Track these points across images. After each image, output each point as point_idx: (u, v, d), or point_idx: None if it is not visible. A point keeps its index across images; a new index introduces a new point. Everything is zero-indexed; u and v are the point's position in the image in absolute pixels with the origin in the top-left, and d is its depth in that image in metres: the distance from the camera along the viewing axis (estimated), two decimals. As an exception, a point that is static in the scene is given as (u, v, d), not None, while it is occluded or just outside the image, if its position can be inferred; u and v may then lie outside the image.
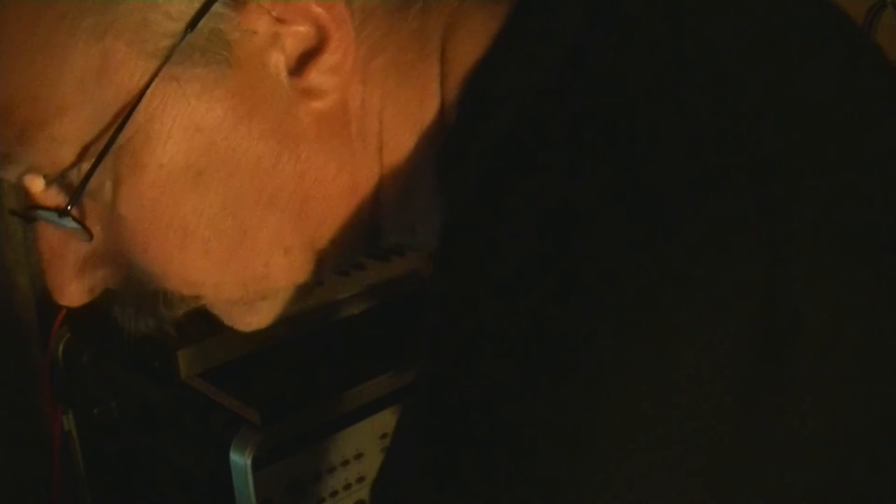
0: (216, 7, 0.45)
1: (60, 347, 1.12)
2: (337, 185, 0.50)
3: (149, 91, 0.45)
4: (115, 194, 0.48)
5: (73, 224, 0.49)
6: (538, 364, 0.38)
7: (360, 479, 0.94)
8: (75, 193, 0.48)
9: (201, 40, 0.45)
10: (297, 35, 0.47)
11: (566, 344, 0.38)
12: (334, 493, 0.92)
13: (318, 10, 0.46)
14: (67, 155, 0.47)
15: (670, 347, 0.37)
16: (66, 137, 0.47)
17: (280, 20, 0.46)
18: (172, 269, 0.50)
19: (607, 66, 0.42)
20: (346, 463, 0.93)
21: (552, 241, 0.39)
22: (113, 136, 0.46)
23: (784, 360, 0.37)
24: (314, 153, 0.49)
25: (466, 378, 0.39)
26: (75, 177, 0.48)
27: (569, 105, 0.42)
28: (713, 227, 0.38)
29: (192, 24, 0.45)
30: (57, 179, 0.49)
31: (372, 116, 0.50)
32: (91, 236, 0.50)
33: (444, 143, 0.50)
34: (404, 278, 1.09)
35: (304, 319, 1.01)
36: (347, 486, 0.93)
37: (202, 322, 0.56)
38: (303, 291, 0.54)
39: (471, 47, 0.48)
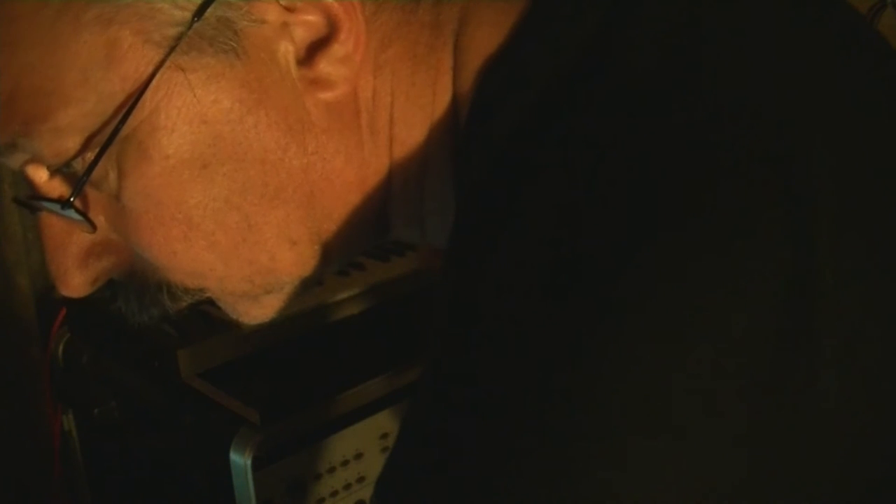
0: None
1: (60, 347, 1.12)
2: (345, 178, 0.50)
3: (154, 81, 0.45)
4: (120, 185, 0.48)
5: (76, 215, 0.49)
6: (547, 361, 0.37)
7: (360, 479, 0.94)
8: (78, 185, 0.47)
9: (209, 29, 0.45)
10: (307, 24, 0.47)
11: (582, 337, 0.37)
12: (334, 493, 0.92)
13: None
14: (71, 145, 0.47)
15: (689, 338, 0.36)
16: (70, 128, 0.46)
17: (289, 9, 0.46)
18: (176, 262, 0.50)
19: (626, 59, 0.42)
20: (346, 463, 0.93)
21: (565, 237, 0.39)
22: (117, 127, 0.45)
23: (806, 351, 0.37)
24: (322, 145, 0.49)
25: (472, 377, 0.39)
26: (79, 166, 0.47)
27: (585, 99, 0.42)
28: (737, 216, 0.37)
29: (200, 12, 0.44)
30: (61, 169, 0.48)
31: (382, 108, 0.49)
32: (94, 228, 0.49)
33: (456, 136, 0.50)
34: (404, 278, 1.09)
35: (304, 319, 1.01)
36: (347, 486, 0.93)
37: (202, 322, 0.56)
38: (308, 284, 0.53)
39: (485, 40, 0.48)
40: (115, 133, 0.45)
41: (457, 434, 0.39)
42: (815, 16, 0.45)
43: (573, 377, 0.37)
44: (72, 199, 0.48)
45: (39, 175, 0.49)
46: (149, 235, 0.49)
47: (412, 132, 0.50)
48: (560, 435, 0.37)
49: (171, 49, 0.45)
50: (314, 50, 0.47)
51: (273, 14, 0.46)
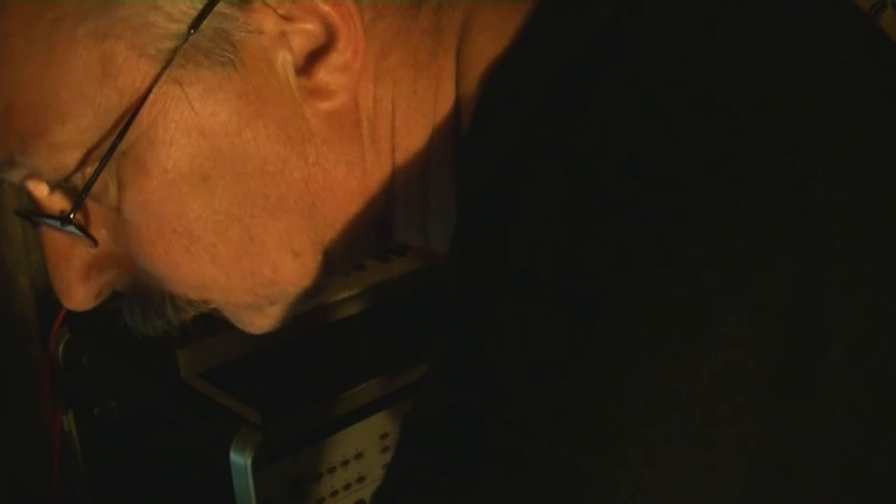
0: (220, 6, 0.44)
1: (60, 347, 1.12)
2: (346, 188, 0.50)
3: (151, 95, 0.45)
4: (120, 199, 0.48)
5: (77, 231, 0.48)
6: (549, 367, 0.37)
7: (360, 479, 0.94)
8: (77, 202, 0.47)
9: (205, 41, 0.45)
10: (305, 33, 0.46)
11: (583, 346, 0.37)
12: (334, 493, 0.92)
13: (325, 7, 0.45)
14: (70, 161, 0.46)
15: (695, 348, 0.36)
16: (67, 143, 0.46)
17: (286, 18, 0.46)
18: (179, 275, 0.50)
19: (632, 65, 0.42)
20: (346, 463, 0.93)
21: (567, 242, 0.39)
22: (115, 142, 0.45)
23: (814, 360, 0.37)
24: (323, 156, 0.49)
25: (475, 381, 0.39)
26: (79, 181, 0.47)
27: (591, 104, 0.42)
28: (745, 228, 0.37)
29: (195, 24, 0.44)
30: (60, 184, 0.48)
31: (384, 117, 0.49)
32: (95, 243, 0.49)
33: (458, 141, 0.49)
34: (404, 278, 1.08)
35: (304, 319, 1.01)
36: (347, 486, 0.93)
37: (202, 322, 0.56)
38: (312, 294, 0.53)
39: (489, 45, 0.48)
40: (113, 148, 0.45)
41: (459, 439, 0.39)
42: (825, 17, 0.45)
43: (576, 385, 0.37)
44: (72, 216, 0.47)
45: (39, 190, 0.49)
46: (150, 249, 0.49)
47: (414, 139, 0.50)
48: (561, 443, 0.37)
49: (168, 62, 0.44)
50: (313, 59, 0.47)
51: (270, 24, 0.46)
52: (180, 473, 0.98)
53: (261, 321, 0.54)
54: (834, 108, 0.41)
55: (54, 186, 0.49)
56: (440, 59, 0.49)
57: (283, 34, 0.46)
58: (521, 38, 0.47)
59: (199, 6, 0.44)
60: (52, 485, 1.14)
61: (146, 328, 0.54)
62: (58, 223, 0.48)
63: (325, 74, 0.47)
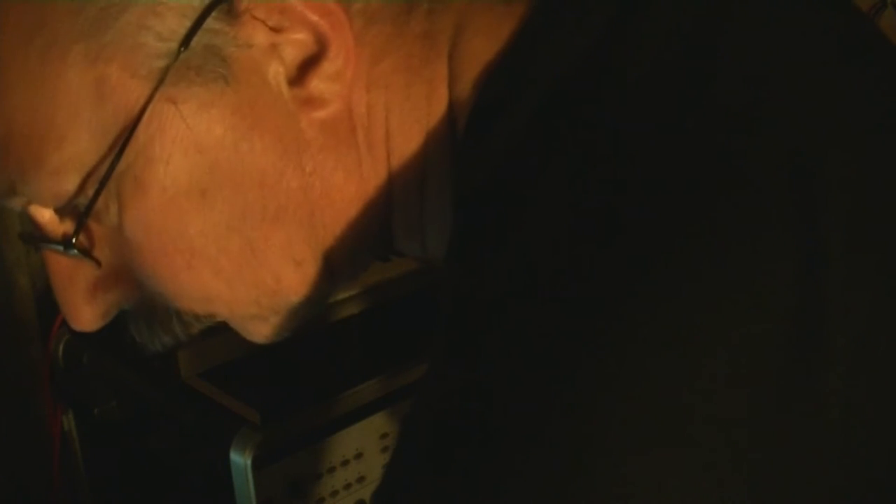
0: (209, 23, 0.44)
1: (60, 347, 1.12)
2: (344, 196, 0.50)
3: (145, 115, 0.45)
4: (121, 218, 0.48)
5: (80, 254, 0.49)
6: (554, 369, 0.37)
7: (360, 479, 0.94)
8: (79, 225, 0.47)
9: (196, 58, 0.45)
10: (295, 43, 0.46)
11: (583, 348, 0.37)
12: (334, 493, 0.92)
13: (314, 17, 0.45)
14: (70, 185, 0.47)
15: (696, 348, 0.36)
16: (66, 168, 0.46)
17: (276, 30, 0.46)
18: (183, 290, 0.50)
19: (632, 67, 0.42)
20: (346, 463, 0.93)
21: (571, 245, 0.39)
22: (113, 163, 0.45)
23: (816, 362, 0.37)
24: (319, 164, 0.49)
25: (476, 383, 0.39)
26: (80, 203, 0.47)
27: (592, 105, 0.42)
28: (747, 227, 0.37)
29: (185, 42, 0.44)
30: (62, 207, 0.48)
31: (378, 123, 0.49)
32: (99, 264, 0.49)
33: (454, 145, 0.49)
34: (404, 278, 1.08)
35: (304, 319, 1.01)
36: (347, 486, 0.93)
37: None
38: (316, 302, 0.53)
39: (483, 49, 0.48)
40: (111, 169, 0.45)
41: (458, 440, 0.39)
42: (827, 21, 0.45)
43: (579, 388, 0.37)
44: (74, 240, 0.48)
45: (41, 214, 0.50)
46: (153, 265, 0.49)
47: (409, 144, 0.50)
48: (562, 448, 0.37)
49: (160, 82, 0.44)
50: (305, 69, 0.47)
51: (260, 36, 0.46)
52: (180, 473, 0.98)
53: (267, 331, 0.54)
54: (835, 109, 0.41)
55: (56, 210, 0.49)
56: (433, 64, 0.49)
57: (273, 46, 0.46)
58: (517, 42, 0.47)
59: (189, 24, 0.44)
60: (52, 485, 1.14)
61: (154, 344, 0.54)
62: (61, 247, 0.49)
63: (318, 83, 0.47)
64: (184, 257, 0.48)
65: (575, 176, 0.40)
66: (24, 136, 0.45)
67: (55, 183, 0.47)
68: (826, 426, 0.37)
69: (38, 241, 0.50)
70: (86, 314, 0.51)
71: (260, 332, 0.54)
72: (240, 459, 0.86)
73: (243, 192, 0.47)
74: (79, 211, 0.47)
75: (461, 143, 0.48)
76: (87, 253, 0.49)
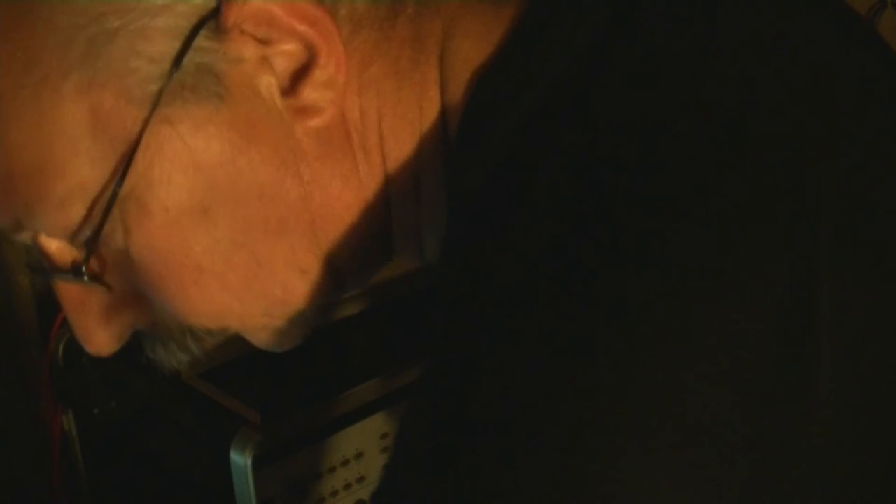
0: (198, 41, 0.44)
1: (60, 347, 1.12)
2: (344, 202, 0.50)
3: (143, 138, 0.45)
4: (126, 241, 0.48)
5: (90, 281, 0.49)
6: (548, 370, 0.37)
7: (360, 479, 0.94)
8: (87, 253, 0.48)
9: (189, 78, 0.45)
10: (285, 54, 0.46)
11: (579, 351, 0.37)
12: (334, 493, 0.92)
13: (302, 26, 0.45)
14: (75, 214, 0.47)
15: (689, 348, 0.36)
16: (70, 198, 0.46)
17: (265, 42, 0.46)
18: (194, 307, 0.50)
19: (632, 68, 0.42)
20: (346, 463, 0.93)
21: (567, 246, 0.39)
22: (115, 189, 0.46)
23: (805, 362, 0.37)
24: (317, 173, 0.49)
25: (473, 385, 0.39)
26: (86, 231, 0.47)
27: (586, 104, 0.42)
28: (739, 228, 0.37)
29: (176, 63, 0.44)
30: (69, 237, 0.48)
31: (372, 128, 0.49)
32: (110, 289, 0.50)
33: (446, 147, 0.49)
34: (404, 278, 1.08)
35: (304, 319, 1.00)
36: (347, 486, 0.93)
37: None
38: (326, 308, 0.54)
39: (474, 52, 0.48)
40: (114, 195, 0.46)
41: (455, 443, 0.39)
42: (819, 18, 0.45)
43: (572, 390, 0.37)
44: (83, 268, 0.48)
45: (49, 245, 0.50)
46: (162, 285, 0.49)
47: (403, 148, 0.50)
48: (559, 446, 0.37)
49: (155, 104, 0.45)
50: (297, 78, 0.47)
51: (250, 50, 0.46)
52: (180, 473, 0.98)
53: (280, 339, 0.55)
54: (828, 110, 0.41)
55: (63, 240, 0.49)
56: (422, 67, 0.49)
57: (264, 58, 0.46)
58: (509, 45, 0.47)
59: (178, 45, 0.44)
60: (52, 485, 1.14)
61: (171, 363, 0.55)
62: (71, 276, 0.49)
63: (310, 92, 0.47)
64: (192, 275, 0.49)
65: (568, 177, 0.40)
66: (26, 173, 0.46)
67: (60, 214, 0.47)
68: (817, 426, 0.37)
69: (48, 272, 0.51)
70: (101, 339, 0.52)
71: (273, 341, 0.55)
72: (240, 459, 0.86)
73: (245, 207, 0.48)
74: (86, 238, 0.48)
75: (453, 145, 0.48)
76: (97, 279, 0.50)
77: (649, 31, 0.43)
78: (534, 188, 0.41)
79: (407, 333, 1.03)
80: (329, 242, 0.51)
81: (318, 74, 0.47)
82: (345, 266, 0.52)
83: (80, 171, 0.46)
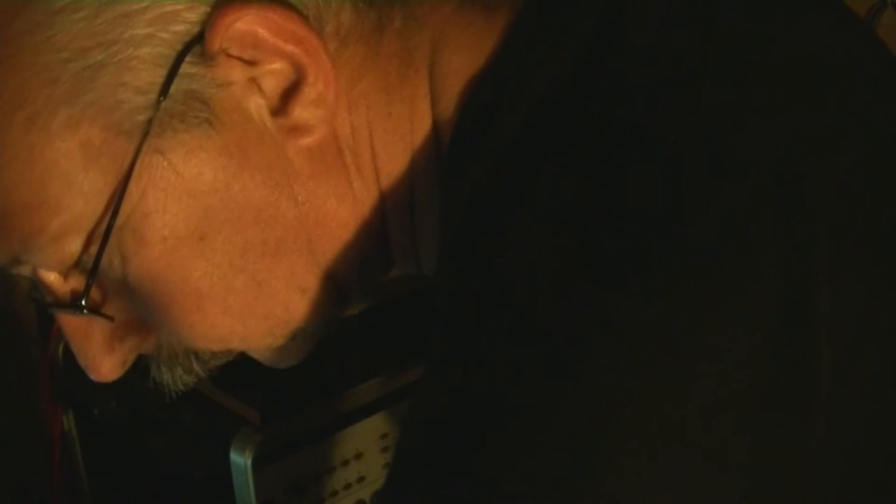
0: (184, 68, 0.44)
1: (60, 347, 1.12)
2: (339, 219, 0.50)
3: (135, 170, 0.45)
4: (125, 271, 0.48)
5: (91, 314, 0.49)
6: (545, 381, 0.37)
7: (360, 479, 0.94)
8: (86, 286, 0.48)
9: (177, 106, 0.45)
10: (273, 74, 0.46)
11: (576, 358, 0.37)
12: (334, 493, 0.92)
13: (288, 46, 0.45)
14: (72, 248, 0.47)
15: (685, 355, 0.36)
16: (66, 233, 0.46)
17: (252, 63, 0.46)
18: (197, 332, 0.51)
19: (622, 76, 0.42)
20: (346, 463, 0.93)
21: (563, 252, 0.39)
22: (110, 222, 0.46)
23: (802, 370, 0.37)
24: (311, 192, 0.49)
25: (472, 390, 0.39)
26: (85, 263, 0.48)
27: (581, 119, 0.42)
28: (733, 230, 0.37)
29: (164, 91, 0.44)
30: (68, 270, 0.49)
31: (364, 144, 0.49)
32: (111, 319, 0.50)
33: (439, 160, 0.49)
34: (404, 278, 1.08)
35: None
36: (347, 486, 0.93)
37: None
38: (330, 323, 0.54)
39: (464, 64, 0.48)
40: (109, 228, 0.46)
41: (455, 446, 0.39)
42: (816, 19, 0.45)
43: (570, 397, 0.37)
44: (83, 301, 0.48)
45: (49, 278, 0.50)
46: (164, 313, 0.49)
47: (395, 163, 0.50)
48: (560, 450, 0.37)
49: (144, 135, 0.45)
50: (286, 98, 0.47)
51: (237, 73, 0.46)
52: (180, 473, 0.98)
53: (286, 357, 0.55)
54: (824, 113, 0.41)
55: (62, 273, 0.49)
56: (411, 81, 0.49)
57: (252, 80, 0.46)
58: (500, 56, 0.47)
59: (165, 73, 0.44)
60: (53, 485, 1.14)
61: (177, 385, 0.55)
62: (71, 309, 0.49)
63: (301, 111, 0.47)
64: (192, 301, 0.49)
65: (564, 186, 0.40)
66: (21, 211, 0.46)
67: (58, 248, 0.47)
68: (816, 433, 0.37)
69: (49, 305, 0.51)
70: (105, 366, 0.52)
71: (278, 358, 0.55)
72: (240, 459, 0.86)
73: (241, 231, 0.48)
74: (85, 270, 0.48)
75: (446, 157, 0.48)
76: (98, 311, 0.50)
77: (643, 36, 0.43)
78: (530, 195, 0.41)
79: (407, 333, 1.03)
80: (327, 260, 0.51)
81: (307, 93, 0.47)
82: (345, 282, 0.52)
83: (74, 206, 0.46)
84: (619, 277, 0.37)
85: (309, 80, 0.46)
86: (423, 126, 0.49)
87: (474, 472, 0.38)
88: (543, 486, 0.36)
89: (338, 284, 0.52)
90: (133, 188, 0.45)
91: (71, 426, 1.15)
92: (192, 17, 0.44)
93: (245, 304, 0.50)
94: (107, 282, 0.50)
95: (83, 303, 0.49)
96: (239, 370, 0.97)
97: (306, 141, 0.48)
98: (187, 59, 0.44)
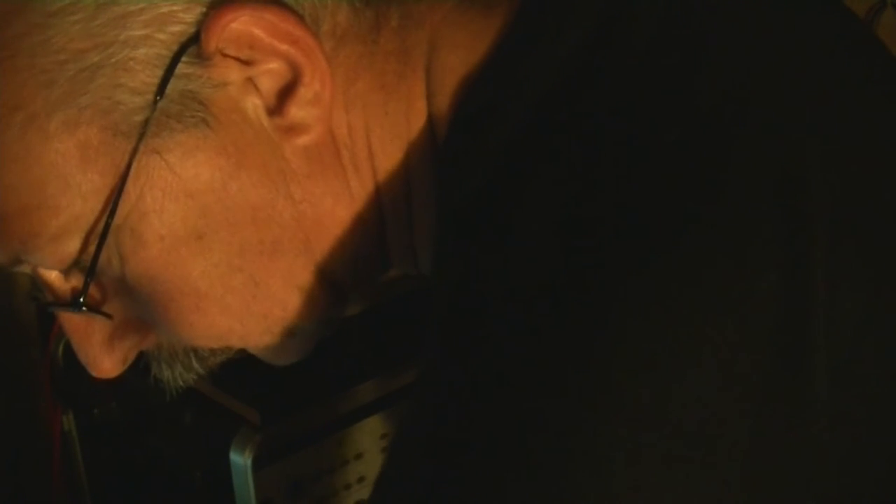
0: (181, 69, 0.44)
1: (60, 347, 1.12)
2: (337, 218, 0.50)
3: (132, 170, 0.45)
4: (123, 270, 0.48)
5: (90, 312, 0.50)
6: (544, 382, 0.37)
7: (360, 479, 0.94)
8: (85, 285, 0.48)
9: (174, 106, 0.45)
10: (269, 73, 0.46)
11: (574, 359, 0.37)
12: (334, 493, 0.92)
13: (283, 45, 0.45)
14: (71, 248, 0.47)
15: (683, 360, 0.36)
16: (65, 233, 0.47)
17: (248, 63, 0.46)
18: (196, 331, 0.51)
19: (619, 76, 0.42)
20: (346, 463, 0.93)
21: (562, 253, 0.39)
22: (108, 222, 0.46)
23: (801, 370, 0.37)
24: (308, 191, 0.49)
25: (470, 393, 0.39)
26: (84, 262, 0.48)
27: (578, 118, 0.42)
28: (731, 235, 0.37)
29: (160, 92, 0.44)
30: (67, 269, 0.49)
31: (361, 142, 0.49)
32: (111, 317, 0.50)
33: (435, 158, 0.49)
34: (403, 278, 1.08)
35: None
36: (347, 486, 0.93)
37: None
38: (330, 322, 0.54)
39: (461, 63, 0.48)
40: (107, 228, 0.46)
41: (454, 444, 0.39)
42: (815, 22, 0.45)
43: (567, 397, 0.37)
44: (82, 300, 0.49)
45: (48, 276, 0.50)
46: (162, 312, 0.50)
47: (392, 161, 0.50)
48: (552, 455, 0.37)
49: (141, 135, 0.45)
50: (283, 97, 0.47)
51: (233, 73, 0.46)
52: (180, 473, 0.98)
53: (285, 354, 0.56)
54: (821, 116, 0.41)
55: (62, 272, 0.50)
56: (408, 80, 0.49)
57: (248, 80, 0.46)
58: (498, 55, 0.47)
59: (161, 74, 0.44)
60: (52, 485, 1.14)
61: (177, 382, 0.55)
62: (71, 307, 0.49)
63: (297, 110, 0.47)
64: (191, 301, 0.49)
65: (561, 187, 0.40)
66: (20, 212, 0.46)
67: (57, 248, 0.47)
68: (814, 435, 0.37)
69: (49, 304, 0.51)
70: (106, 364, 0.53)
71: (279, 356, 0.56)
72: (240, 459, 0.86)
73: (239, 231, 0.48)
74: (84, 270, 0.48)
75: (442, 156, 0.48)
76: (97, 309, 0.50)
77: (640, 36, 0.43)
78: (527, 197, 0.41)
79: (407, 333, 1.02)
80: (325, 259, 0.51)
81: (304, 92, 0.47)
82: (343, 280, 0.52)
83: (72, 207, 0.46)
84: (618, 281, 0.37)
85: (305, 80, 0.46)
86: (419, 125, 0.49)
87: (469, 472, 0.38)
88: (539, 486, 0.36)
89: (335, 283, 0.52)
90: (131, 188, 0.46)
91: (71, 426, 1.15)
92: (188, 18, 0.45)
93: (243, 303, 0.50)
94: (106, 281, 0.50)
95: (82, 301, 0.49)
96: (239, 370, 0.97)
97: (303, 140, 0.48)
98: (184, 59, 0.44)
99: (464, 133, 0.47)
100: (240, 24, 0.44)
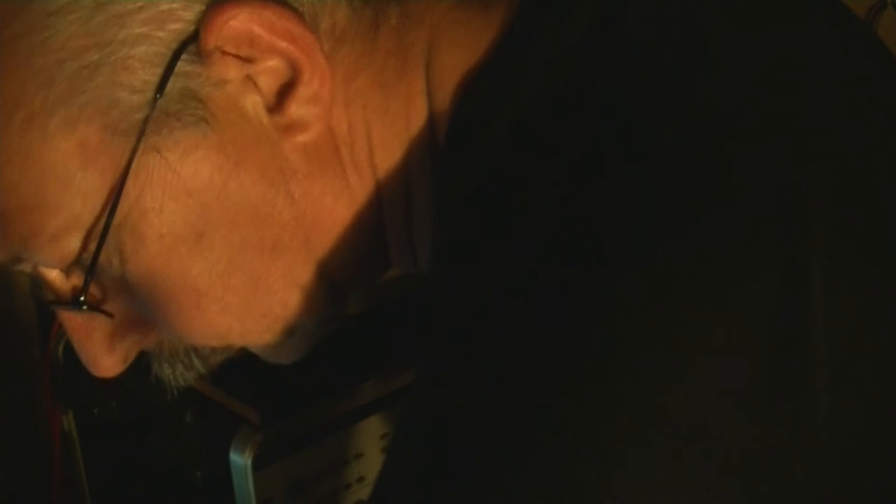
0: (180, 67, 0.44)
1: (60, 347, 1.12)
2: (336, 217, 0.50)
3: (132, 168, 0.45)
4: (124, 269, 0.48)
5: (91, 311, 0.50)
6: (541, 381, 0.37)
7: (360, 479, 0.94)
8: (85, 284, 0.48)
9: (173, 105, 0.45)
10: (269, 71, 0.46)
11: (573, 359, 0.37)
12: (334, 494, 0.92)
13: (283, 43, 0.45)
14: (72, 246, 0.47)
15: (682, 360, 0.36)
16: (65, 232, 0.47)
17: (248, 61, 0.46)
18: (196, 329, 0.51)
19: (618, 77, 0.42)
20: (346, 463, 0.93)
21: (561, 253, 0.39)
22: (108, 220, 0.46)
23: (799, 370, 0.37)
24: (307, 190, 0.49)
25: (468, 396, 0.39)
26: (84, 261, 0.48)
27: (577, 116, 0.42)
28: (728, 236, 0.37)
29: (160, 90, 0.44)
30: (67, 267, 0.49)
31: (360, 141, 0.49)
32: (111, 316, 0.50)
33: (434, 157, 0.50)
34: (404, 278, 1.08)
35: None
36: (347, 486, 0.93)
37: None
38: (329, 321, 0.54)
39: (461, 61, 0.48)
40: (107, 226, 0.46)
41: (449, 448, 0.39)
42: (814, 22, 0.45)
43: (565, 398, 0.37)
44: (82, 298, 0.49)
45: (49, 275, 0.51)
46: (163, 311, 0.50)
47: (392, 160, 0.50)
48: (551, 456, 0.37)
49: (141, 134, 0.45)
50: (282, 95, 0.47)
51: (233, 71, 0.46)
52: (180, 473, 0.98)
53: (285, 353, 0.56)
54: (821, 118, 0.41)
55: (62, 271, 0.50)
56: (408, 78, 0.49)
57: (247, 78, 0.46)
58: (497, 53, 0.47)
59: (160, 72, 0.44)
60: (52, 485, 1.14)
61: (178, 381, 0.55)
62: (71, 306, 0.49)
63: (296, 108, 0.47)
64: (191, 299, 0.49)
65: (559, 186, 0.40)
66: (20, 211, 0.46)
67: (57, 247, 0.47)
68: (813, 436, 0.37)
69: (49, 303, 0.51)
70: (106, 363, 0.53)
71: (279, 355, 0.56)
72: (240, 459, 0.86)
73: (238, 229, 0.48)
74: (84, 268, 0.48)
75: (442, 155, 0.48)
76: (97, 308, 0.50)
77: (638, 38, 0.43)
78: (526, 198, 0.41)
79: (407, 333, 1.02)
80: (325, 257, 0.51)
81: (303, 90, 0.47)
82: (342, 279, 0.52)
83: (72, 205, 0.46)
84: (617, 281, 0.37)
85: (304, 78, 0.46)
86: (419, 123, 0.49)
87: (468, 472, 0.38)
88: (539, 485, 0.36)
89: (335, 281, 0.52)
90: (130, 187, 0.46)
91: (71, 426, 1.15)
92: (187, 16, 0.45)
93: (243, 302, 0.50)
94: (106, 279, 0.50)
95: (83, 300, 0.49)
96: (239, 370, 0.97)
97: (302, 138, 0.48)
98: (183, 57, 0.44)
99: (463, 131, 0.47)
100: (239, 22, 0.44)
